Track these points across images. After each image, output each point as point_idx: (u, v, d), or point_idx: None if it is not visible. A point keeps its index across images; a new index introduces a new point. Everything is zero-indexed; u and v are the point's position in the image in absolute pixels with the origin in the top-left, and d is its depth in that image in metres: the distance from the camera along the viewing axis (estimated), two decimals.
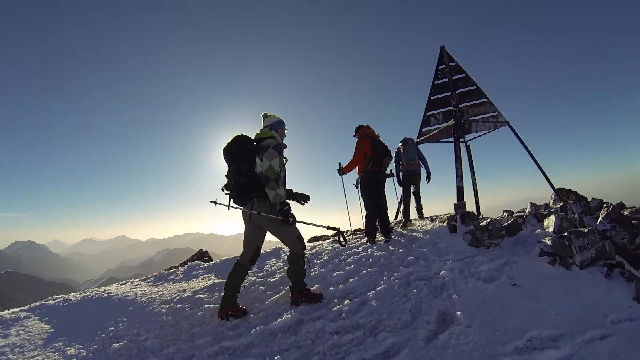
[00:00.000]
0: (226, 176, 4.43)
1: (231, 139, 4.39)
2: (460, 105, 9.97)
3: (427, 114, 10.20)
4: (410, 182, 8.89)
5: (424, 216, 9.29)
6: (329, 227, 4.87)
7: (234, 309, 4.41)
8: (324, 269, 5.84)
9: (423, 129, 10.23)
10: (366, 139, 6.95)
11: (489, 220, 6.64)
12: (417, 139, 10.16)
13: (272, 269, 6.23)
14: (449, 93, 9.72)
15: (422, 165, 9.01)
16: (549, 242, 5.32)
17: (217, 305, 4.66)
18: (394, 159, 8.83)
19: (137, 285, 6.08)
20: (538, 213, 7.44)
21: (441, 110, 10.08)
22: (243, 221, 4.52)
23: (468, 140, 11.01)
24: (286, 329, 4.00)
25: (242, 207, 4.45)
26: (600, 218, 6.35)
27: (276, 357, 3.44)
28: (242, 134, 4.44)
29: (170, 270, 6.82)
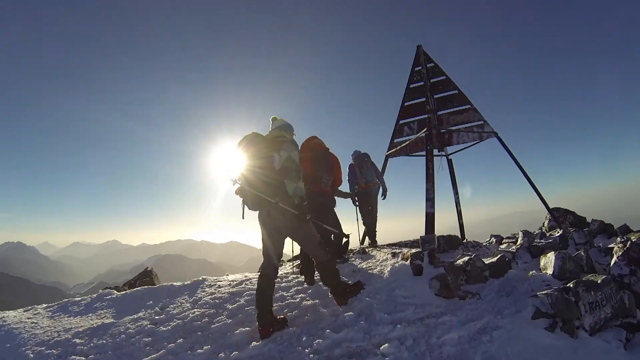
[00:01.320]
0: (237, 182, 4.14)
1: (245, 137, 4.14)
2: (439, 113, 8.42)
3: (400, 122, 8.58)
4: (367, 203, 7.57)
5: (377, 244, 7.89)
6: (341, 233, 5.10)
7: (274, 323, 3.92)
8: (229, 321, 4.31)
9: (395, 140, 8.61)
10: (306, 152, 5.52)
11: (466, 258, 5.05)
12: (388, 151, 8.55)
13: (174, 311, 4.78)
14: (425, 99, 8.12)
15: (379, 182, 7.58)
16: (547, 299, 3.72)
17: (84, 358, 3.91)
18: (347, 176, 7.41)
19: (37, 314, 5.42)
20: (532, 246, 5.87)
21: (417, 118, 8.47)
22: (260, 226, 4.14)
23: (450, 154, 9.47)
24: None
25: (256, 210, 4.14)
26: (614, 258, 4.79)
27: None
28: (254, 132, 4.22)
29: (77, 299, 5.91)
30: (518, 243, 6.26)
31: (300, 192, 4.00)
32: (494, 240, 8.75)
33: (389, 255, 5.97)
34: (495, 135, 7.92)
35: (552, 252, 4.91)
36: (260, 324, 3.85)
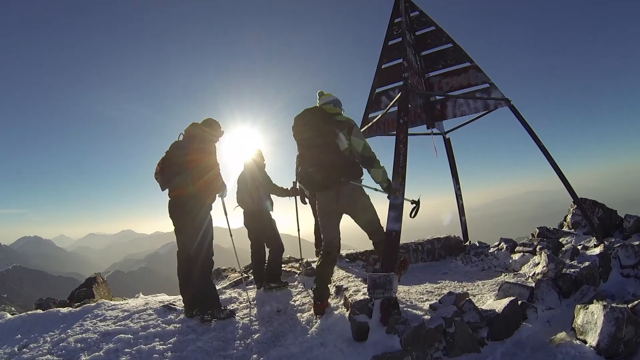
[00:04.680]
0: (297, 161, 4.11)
1: (307, 110, 3.99)
2: (428, 75, 6.17)
3: (377, 90, 6.31)
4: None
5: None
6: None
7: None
8: None
9: (370, 115, 6.36)
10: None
11: (450, 311, 2.94)
12: (361, 127, 6.36)
13: (26, 356, 3.83)
14: (403, 55, 5.75)
15: None
16: None
17: None
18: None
19: None
20: (562, 276, 3.72)
21: (398, 84, 6.12)
22: (319, 206, 4.01)
23: (448, 132, 7.25)
24: None
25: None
26: None
27: None
28: (315, 106, 4.04)
29: None
30: (539, 270, 4.02)
31: (387, 174, 3.89)
32: (505, 246, 6.61)
33: (333, 291, 3.96)
34: (507, 103, 5.67)
35: (599, 305, 2.78)
36: (317, 298, 3.77)
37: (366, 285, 3.52)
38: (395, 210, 3.64)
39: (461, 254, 6.80)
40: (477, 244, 7.15)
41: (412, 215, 4.10)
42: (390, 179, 3.93)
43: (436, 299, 3.97)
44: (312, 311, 3.87)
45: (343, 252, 6.59)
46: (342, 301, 3.57)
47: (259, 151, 5.47)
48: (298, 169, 4.17)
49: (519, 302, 3.24)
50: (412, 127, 6.27)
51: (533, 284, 3.58)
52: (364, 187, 3.92)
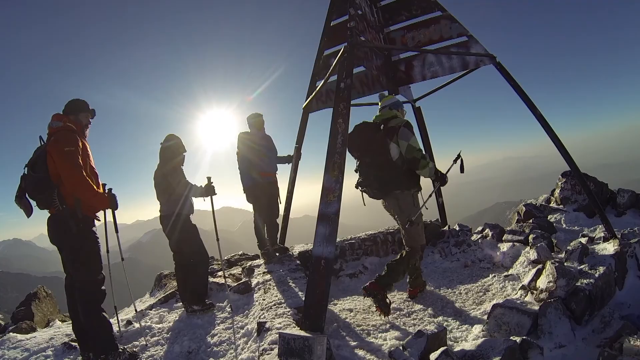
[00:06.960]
0: (356, 171, 3.92)
1: (356, 127, 3.83)
2: (389, 29, 4.98)
3: (325, 52, 5.08)
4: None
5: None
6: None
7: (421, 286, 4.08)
8: None
9: (317, 83, 5.12)
10: None
11: None
12: (307, 98, 5.15)
13: None
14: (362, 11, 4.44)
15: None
16: None
17: None
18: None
19: None
20: (574, 293, 2.68)
21: None
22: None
23: (417, 100, 6.11)
24: None
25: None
26: None
27: None
28: (364, 121, 3.90)
29: None
30: (543, 285, 2.88)
31: (434, 168, 3.79)
32: (490, 233, 5.62)
33: (254, 329, 2.91)
34: (491, 60, 4.49)
35: None
36: (412, 286, 4.07)
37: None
38: (327, 223, 2.44)
39: (439, 244, 5.79)
40: (458, 229, 6.15)
41: (462, 170, 4.01)
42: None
43: (403, 329, 2.92)
44: (226, 357, 2.92)
45: (296, 249, 5.52)
46: (257, 352, 2.48)
47: (176, 142, 4.32)
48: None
49: (519, 341, 2.18)
50: (370, 94, 5.13)
51: (536, 307, 2.52)
52: (415, 196, 3.79)
